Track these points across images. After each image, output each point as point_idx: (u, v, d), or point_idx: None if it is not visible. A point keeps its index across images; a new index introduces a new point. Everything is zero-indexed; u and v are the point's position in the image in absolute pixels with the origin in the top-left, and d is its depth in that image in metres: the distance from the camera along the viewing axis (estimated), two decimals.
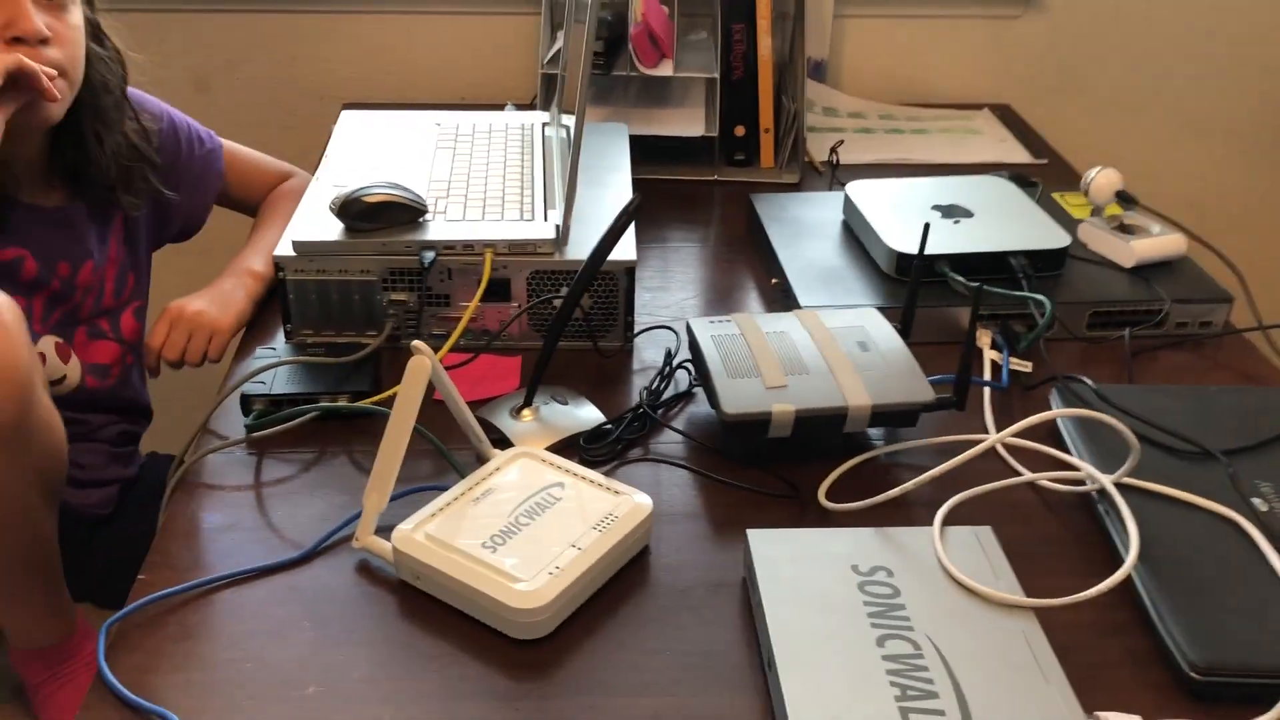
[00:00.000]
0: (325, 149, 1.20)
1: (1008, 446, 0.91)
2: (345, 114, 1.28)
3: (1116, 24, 1.70)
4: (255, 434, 0.92)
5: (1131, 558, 0.75)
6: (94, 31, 1.07)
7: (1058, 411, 0.83)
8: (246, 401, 0.94)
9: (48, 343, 1.10)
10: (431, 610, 0.76)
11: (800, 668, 0.67)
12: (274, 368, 0.96)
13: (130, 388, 1.23)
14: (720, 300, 1.16)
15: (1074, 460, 0.87)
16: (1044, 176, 1.37)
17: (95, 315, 1.15)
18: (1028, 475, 0.87)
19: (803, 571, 0.75)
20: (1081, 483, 0.86)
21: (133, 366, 1.22)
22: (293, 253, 1.00)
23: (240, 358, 1.06)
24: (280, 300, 1.02)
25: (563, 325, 0.91)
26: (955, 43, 1.70)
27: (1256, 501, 0.82)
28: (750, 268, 1.22)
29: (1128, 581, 0.76)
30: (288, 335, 1.04)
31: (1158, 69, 1.74)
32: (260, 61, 1.66)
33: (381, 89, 1.67)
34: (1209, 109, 1.77)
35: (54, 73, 0.97)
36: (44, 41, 0.97)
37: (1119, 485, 0.82)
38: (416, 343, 0.78)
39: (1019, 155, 1.51)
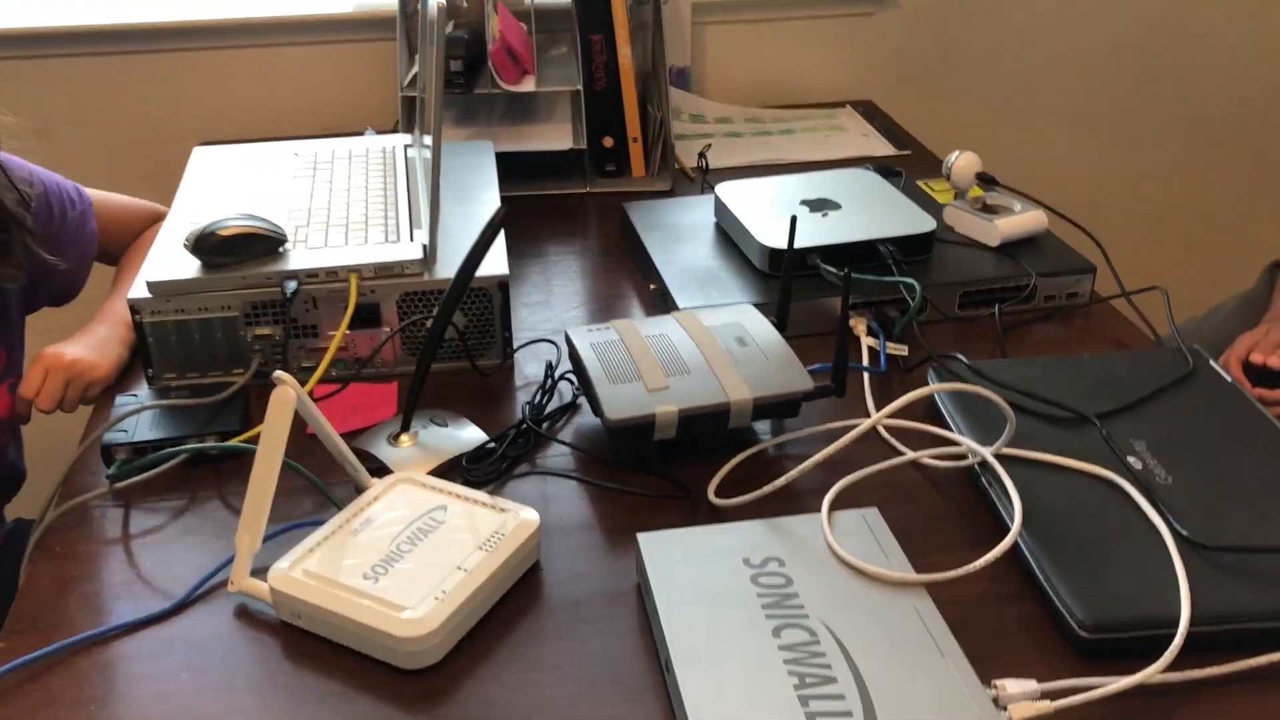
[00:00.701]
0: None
1: (889, 428, 0.92)
2: (198, 150, 1.24)
3: (966, 15, 1.75)
4: (119, 484, 0.88)
5: (1016, 525, 0.76)
6: None
7: (933, 387, 0.84)
8: (108, 451, 0.89)
9: None
10: (317, 649, 0.73)
11: (698, 667, 0.66)
12: (136, 414, 0.92)
13: (7, 462, 1.16)
14: (602, 309, 1.15)
15: (954, 436, 0.88)
16: (907, 166, 1.39)
17: None
18: (910, 454, 0.88)
19: (694, 570, 0.74)
20: (963, 457, 0.87)
21: (9, 443, 1.15)
22: (148, 294, 0.96)
23: (101, 407, 1.01)
24: (139, 344, 0.98)
25: (435, 346, 0.89)
26: (813, 43, 1.73)
27: (1131, 460, 0.84)
28: (629, 275, 1.21)
29: (1015, 549, 0.77)
30: (150, 380, 0.99)
31: (1008, 56, 1.79)
32: (108, 105, 1.60)
33: (239, 125, 1.63)
34: (1059, 91, 1.83)
35: None
36: None
37: (999, 456, 0.83)
38: (279, 374, 0.75)
39: (883, 148, 1.53)
